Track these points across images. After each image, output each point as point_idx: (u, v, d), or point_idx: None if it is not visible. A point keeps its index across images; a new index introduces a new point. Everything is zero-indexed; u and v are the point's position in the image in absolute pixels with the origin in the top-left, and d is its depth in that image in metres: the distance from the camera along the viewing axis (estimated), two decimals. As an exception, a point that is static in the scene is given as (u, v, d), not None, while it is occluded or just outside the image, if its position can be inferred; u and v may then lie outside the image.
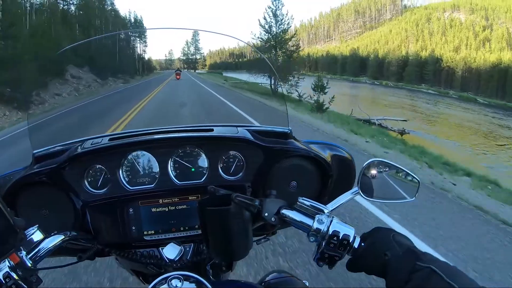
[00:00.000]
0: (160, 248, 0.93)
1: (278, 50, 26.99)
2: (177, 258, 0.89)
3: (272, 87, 23.32)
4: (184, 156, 0.98)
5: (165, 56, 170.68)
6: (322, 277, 2.62)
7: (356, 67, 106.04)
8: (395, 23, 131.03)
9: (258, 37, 27.95)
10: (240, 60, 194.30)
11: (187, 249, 0.94)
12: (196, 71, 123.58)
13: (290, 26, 28.44)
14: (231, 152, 0.99)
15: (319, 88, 16.50)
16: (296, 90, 20.01)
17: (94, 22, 44.99)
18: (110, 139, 0.97)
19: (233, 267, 1.06)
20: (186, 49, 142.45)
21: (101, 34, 36.58)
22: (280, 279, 1.06)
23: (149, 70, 74.55)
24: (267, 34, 27.42)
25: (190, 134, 1.01)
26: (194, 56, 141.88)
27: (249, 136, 0.99)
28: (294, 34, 29.89)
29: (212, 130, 1.03)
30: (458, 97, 62.77)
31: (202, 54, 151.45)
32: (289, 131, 1.04)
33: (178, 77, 39.64)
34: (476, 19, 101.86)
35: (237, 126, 1.07)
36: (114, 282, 2.52)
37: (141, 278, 1.02)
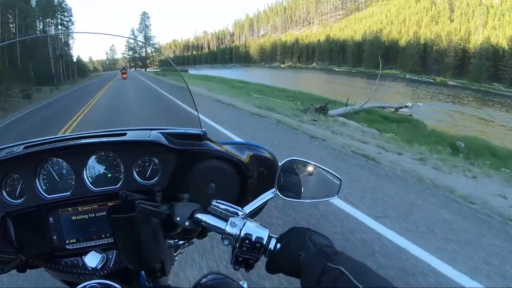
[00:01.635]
0: (82, 256, 0.91)
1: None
2: (99, 266, 0.87)
3: None
4: (99, 162, 0.95)
5: (106, 53, 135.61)
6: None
7: (372, 56, 76.92)
8: (393, 2, 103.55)
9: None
10: (200, 52, 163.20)
11: (110, 256, 0.91)
12: (147, 69, 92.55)
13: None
14: (146, 157, 0.97)
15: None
16: None
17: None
18: (24, 147, 0.92)
19: (167, 272, 1.02)
20: (131, 42, 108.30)
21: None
22: (216, 281, 1.06)
23: (82, 73, 58.43)
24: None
25: (101, 139, 0.97)
26: (143, 50, 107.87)
27: (162, 139, 0.96)
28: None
29: (125, 134, 0.99)
30: None
31: (154, 45, 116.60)
32: (202, 133, 1.00)
33: (124, 76, 36.88)
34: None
35: (151, 129, 1.03)
36: None
37: None
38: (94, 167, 0.94)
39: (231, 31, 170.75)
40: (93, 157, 0.94)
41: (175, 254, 1.11)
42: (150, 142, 0.95)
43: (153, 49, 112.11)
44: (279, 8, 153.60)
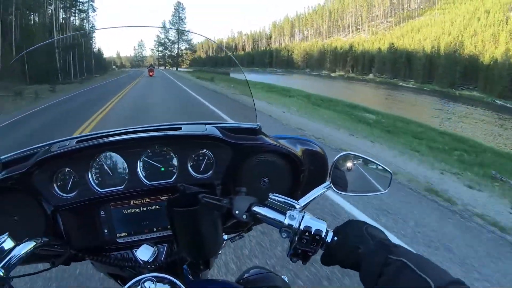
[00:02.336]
0: (133, 250, 0.92)
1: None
2: (151, 260, 0.88)
3: None
4: (153, 156, 0.97)
5: (134, 49, 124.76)
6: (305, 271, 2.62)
7: (448, 72, 62.89)
8: (455, 11, 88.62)
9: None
10: (235, 54, 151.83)
11: (161, 249, 0.93)
12: (179, 68, 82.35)
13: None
14: (201, 150, 0.98)
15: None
16: None
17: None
18: (77, 142, 0.95)
19: (211, 265, 1.09)
20: (161, 37, 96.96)
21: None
22: (259, 275, 1.07)
23: (102, 70, 53.10)
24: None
25: (158, 133, 0.99)
26: (176, 47, 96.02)
27: (217, 133, 0.98)
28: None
29: (180, 128, 1.02)
30: None
31: (191, 43, 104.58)
32: (257, 127, 1.03)
33: (151, 73, 36.80)
34: None
35: (206, 124, 1.06)
36: (92, 286, 2.50)
37: (118, 281, 0.99)
38: (147, 161, 0.95)
39: (268, 32, 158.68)
40: (147, 151, 0.95)
41: None
42: (206, 136, 0.96)
43: (187, 46, 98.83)
44: (323, 11, 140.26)
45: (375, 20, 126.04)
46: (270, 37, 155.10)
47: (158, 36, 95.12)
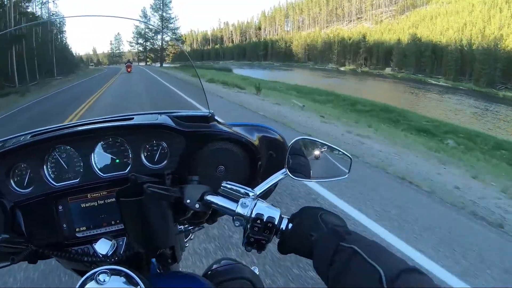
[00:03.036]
0: (93, 244, 0.91)
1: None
2: (110, 253, 0.87)
3: None
4: (107, 148, 0.96)
5: (111, 43, 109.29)
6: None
7: (487, 69, 51.69)
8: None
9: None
10: (224, 46, 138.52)
11: (120, 243, 0.91)
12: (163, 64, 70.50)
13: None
14: (154, 141, 0.97)
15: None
16: None
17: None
18: (31, 136, 0.94)
19: (178, 259, 1.07)
20: (141, 28, 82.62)
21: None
22: (228, 266, 1.08)
23: (68, 69, 40.20)
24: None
25: (108, 124, 0.97)
26: (160, 37, 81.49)
27: (169, 122, 0.97)
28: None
29: (132, 118, 1.00)
30: None
31: (177, 32, 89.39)
32: (210, 114, 1.01)
33: (129, 69, 33.90)
34: None
35: (159, 113, 1.04)
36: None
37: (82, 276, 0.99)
38: (101, 153, 0.95)
39: (257, 23, 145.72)
40: (100, 143, 0.95)
41: (185, 240, 1.11)
42: (157, 125, 0.96)
43: (172, 36, 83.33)
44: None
45: (376, 8, 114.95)
46: (260, 28, 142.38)
47: (137, 26, 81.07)
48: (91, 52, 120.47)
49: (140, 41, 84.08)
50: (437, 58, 63.95)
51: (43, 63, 32.17)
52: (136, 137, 0.96)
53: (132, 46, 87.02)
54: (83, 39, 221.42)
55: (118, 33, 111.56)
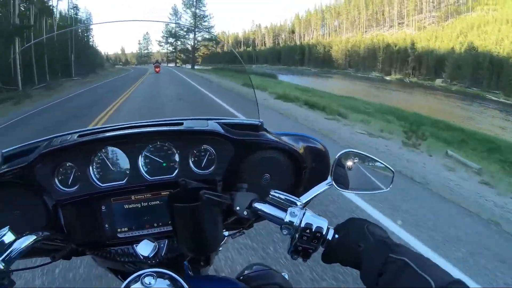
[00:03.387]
0: (134, 245, 0.92)
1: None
2: (151, 255, 0.88)
3: None
4: (154, 151, 0.97)
5: (139, 43, 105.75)
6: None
7: None
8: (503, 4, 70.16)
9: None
10: (257, 49, 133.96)
11: (162, 245, 0.93)
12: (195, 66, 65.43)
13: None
14: (202, 146, 0.99)
15: None
16: None
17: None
18: (79, 136, 0.96)
19: (211, 262, 1.09)
20: (172, 26, 78.12)
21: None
22: (260, 272, 1.09)
23: (92, 68, 34.33)
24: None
25: (160, 128, 1.00)
26: (192, 37, 76.82)
27: (219, 129, 0.98)
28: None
29: (182, 124, 1.02)
30: None
31: (212, 34, 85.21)
32: (259, 123, 1.03)
33: (157, 69, 32.98)
34: None
35: (208, 119, 1.06)
36: (92, 281, 2.56)
37: (119, 276, 1.00)
38: (149, 156, 0.96)
39: (290, 25, 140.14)
40: (148, 146, 0.96)
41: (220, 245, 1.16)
42: (208, 132, 0.97)
43: (206, 36, 77.82)
44: (359, 1, 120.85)
45: (418, 14, 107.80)
46: (293, 31, 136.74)
47: (167, 25, 76.68)
48: (119, 52, 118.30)
49: (170, 40, 79.50)
50: (495, 71, 56.96)
51: (57, 61, 28.07)
52: (185, 142, 0.97)
53: (161, 46, 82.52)
54: (111, 38, 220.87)
55: (147, 32, 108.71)
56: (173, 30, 77.96)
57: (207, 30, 79.53)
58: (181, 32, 77.05)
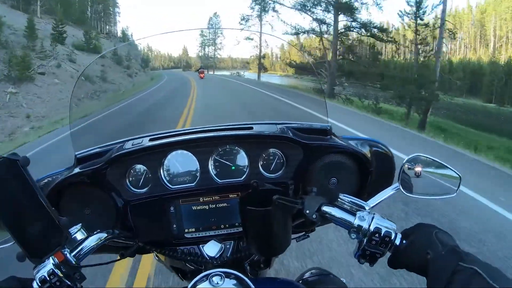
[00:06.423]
0: (200, 245, 0.96)
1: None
2: (217, 256, 0.92)
3: None
4: (224, 155, 1.00)
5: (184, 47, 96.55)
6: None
7: None
8: None
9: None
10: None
11: (227, 246, 0.97)
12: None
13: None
14: (271, 150, 1.01)
15: None
16: None
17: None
18: (150, 139, 1.00)
19: (271, 264, 1.10)
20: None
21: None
22: (319, 276, 1.09)
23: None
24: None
25: (230, 132, 1.02)
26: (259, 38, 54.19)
27: (288, 133, 1.01)
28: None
29: (251, 128, 1.05)
30: None
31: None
32: (328, 128, 1.05)
33: (201, 75, 30.08)
34: None
35: (276, 124, 1.08)
36: (153, 278, 2.65)
37: (179, 274, 1.05)
38: (218, 159, 0.99)
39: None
40: (218, 149, 0.99)
41: None
42: (278, 136, 1.00)
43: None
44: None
45: None
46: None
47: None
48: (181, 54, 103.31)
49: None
50: None
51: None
52: (254, 146, 1.00)
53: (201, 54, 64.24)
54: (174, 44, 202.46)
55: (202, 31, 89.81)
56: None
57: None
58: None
